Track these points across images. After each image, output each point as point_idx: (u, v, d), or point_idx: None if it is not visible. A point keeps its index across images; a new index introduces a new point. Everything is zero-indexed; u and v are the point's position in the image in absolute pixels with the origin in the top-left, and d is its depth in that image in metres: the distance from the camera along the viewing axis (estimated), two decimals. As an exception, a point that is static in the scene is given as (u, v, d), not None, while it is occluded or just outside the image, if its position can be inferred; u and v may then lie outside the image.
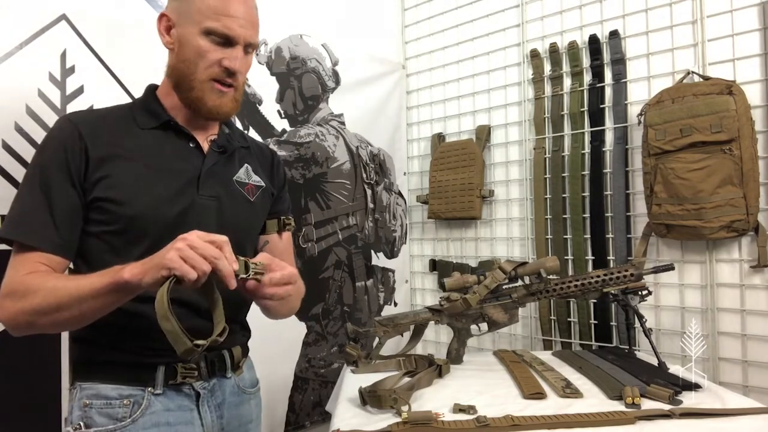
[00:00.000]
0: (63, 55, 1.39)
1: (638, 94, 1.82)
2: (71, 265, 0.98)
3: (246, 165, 1.12)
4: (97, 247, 0.96)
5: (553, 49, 2.00)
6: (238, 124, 1.80)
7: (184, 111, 1.03)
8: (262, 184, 1.14)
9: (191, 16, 0.97)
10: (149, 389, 0.96)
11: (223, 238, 0.82)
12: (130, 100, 1.46)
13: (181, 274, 0.77)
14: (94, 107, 1.42)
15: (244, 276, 0.85)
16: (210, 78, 0.98)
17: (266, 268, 0.88)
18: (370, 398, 1.11)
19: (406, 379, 1.26)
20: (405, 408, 1.05)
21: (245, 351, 1.14)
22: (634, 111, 1.81)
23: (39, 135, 1.33)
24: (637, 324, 1.49)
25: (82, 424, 0.93)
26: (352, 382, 1.28)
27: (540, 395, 1.18)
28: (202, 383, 1.02)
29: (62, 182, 0.92)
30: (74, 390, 0.97)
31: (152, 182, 0.97)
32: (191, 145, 1.04)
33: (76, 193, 0.93)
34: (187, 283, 0.78)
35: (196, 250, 0.78)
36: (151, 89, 1.07)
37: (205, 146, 1.06)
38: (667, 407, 1.07)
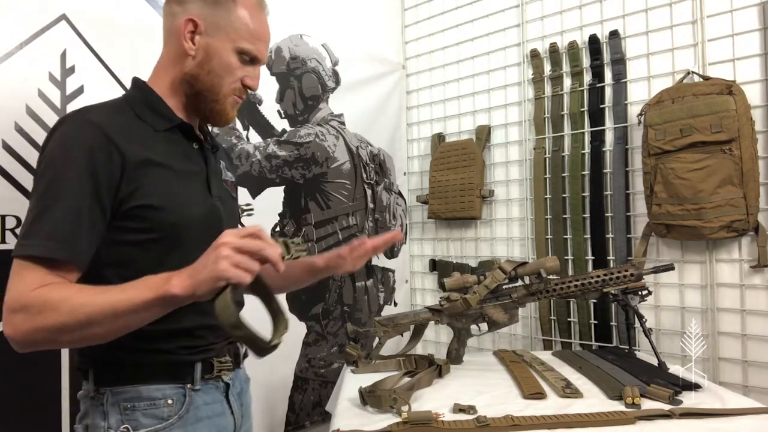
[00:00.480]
0: (63, 55, 1.39)
1: (638, 94, 1.82)
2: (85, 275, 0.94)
3: (222, 162, 1.14)
4: (136, 256, 0.92)
5: (553, 49, 2.00)
6: (238, 125, 1.80)
7: (185, 113, 1.03)
8: (233, 179, 1.17)
9: (225, 30, 0.98)
10: (188, 386, 0.97)
11: (257, 228, 0.80)
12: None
13: (238, 281, 0.76)
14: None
15: (289, 257, 0.85)
16: (232, 93, 1.02)
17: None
18: (370, 398, 1.12)
19: (406, 379, 1.26)
20: (405, 408, 1.05)
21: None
22: (634, 111, 1.81)
23: (39, 135, 1.33)
24: (637, 324, 1.49)
25: (129, 427, 0.92)
26: (352, 382, 1.28)
27: (540, 395, 1.18)
28: (229, 375, 1.05)
29: (88, 193, 0.86)
30: (101, 396, 0.94)
31: (180, 186, 0.97)
32: (195, 146, 1.05)
33: (100, 204, 0.87)
34: (241, 287, 0.78)
35: (242, 251, 0.77)
36: (147, 85, 1.02)
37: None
38: (667, 407, 1.07)
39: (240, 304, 1.05)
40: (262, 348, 0.80)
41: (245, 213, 1.27)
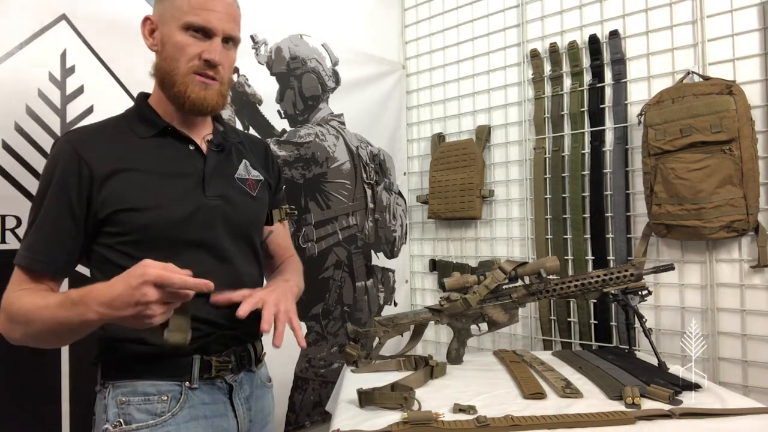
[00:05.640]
0: (63, 55, 1.39)
1: (638, 94, 1.82)
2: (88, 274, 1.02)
3: (244, 161, 1.13)
4: (113, 258, 0.97)
5: (553, 49, 2.00)
6: (238, 125, 1.80)
7: (178, 115, 1.04)
8: (261, 177, 1.16)
9: (172, 14, 0.99)
10: (186, 384, 0.98)
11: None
12: (130, 100, 1.47)
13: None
14: (94, 107, 1.43)
15: None
16: (192, 71, 0.99)
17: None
18: (378, 396, 1.11)
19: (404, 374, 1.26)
20: (415, 408, 1.06)
21: (262, 346, 1.16)
22: (634, 111, 1.81)
23: (39, 135, 1.34)
24: (637, 324, 1.49)
25: (121, 421, 0.94)
26: (352, 382, 1.27)
27: (540, 395, 1.18)
28: (233, 376, 1.04)
29: (62, 209, 0.95)
30: (105, 389, 0.98)
31: (159, 189, 0.99)
32: (191, 147, 1.05)
33: (73, 217, 0.95)
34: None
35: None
36: (143, 97, 1.08)
37: (204, 147, 1.07)
38: (667, 407, 1.07)
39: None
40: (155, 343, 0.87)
41: (289, 216, 1.28)
